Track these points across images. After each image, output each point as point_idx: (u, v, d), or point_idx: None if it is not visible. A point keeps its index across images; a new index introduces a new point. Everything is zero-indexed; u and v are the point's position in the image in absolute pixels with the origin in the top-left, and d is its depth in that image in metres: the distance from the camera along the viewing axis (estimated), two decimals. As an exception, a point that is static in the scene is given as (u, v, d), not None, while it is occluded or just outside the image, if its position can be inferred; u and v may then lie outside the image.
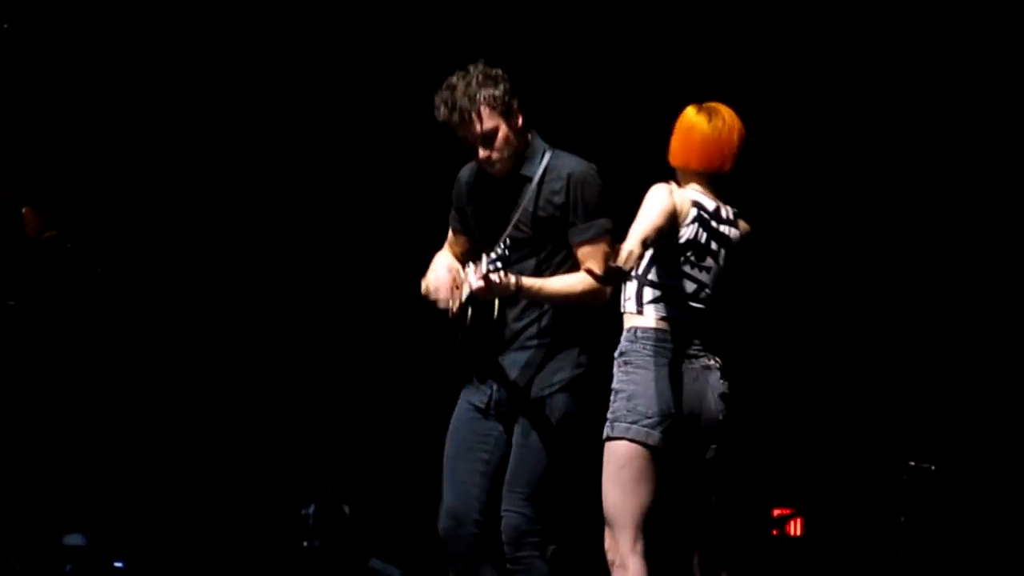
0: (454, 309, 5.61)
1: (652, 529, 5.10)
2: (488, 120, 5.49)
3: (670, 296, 5.15)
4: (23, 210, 6.86)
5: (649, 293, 5.15)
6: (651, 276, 5.15)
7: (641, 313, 5.15)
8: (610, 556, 5.10)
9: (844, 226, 7.97)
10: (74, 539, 7.68)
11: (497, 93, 5.48)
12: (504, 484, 5.58)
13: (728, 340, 5.25)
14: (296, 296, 8.35)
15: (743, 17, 7.84)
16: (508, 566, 5.56)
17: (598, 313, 5.53)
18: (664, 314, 5.14)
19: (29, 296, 6.95)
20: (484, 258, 5.30)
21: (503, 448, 5.61)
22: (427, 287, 5.67)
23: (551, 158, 5.57)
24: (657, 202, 5.06)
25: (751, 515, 7.92)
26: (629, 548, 5.06)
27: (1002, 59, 7.53)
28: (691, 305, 5.17)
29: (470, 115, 5.47)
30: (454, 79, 5.54)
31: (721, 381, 5.22)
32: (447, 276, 5.60)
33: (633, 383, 5.09)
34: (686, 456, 5.16)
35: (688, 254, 5.15)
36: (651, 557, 5.09)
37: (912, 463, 6.93)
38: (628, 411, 5.06)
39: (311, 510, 7.70)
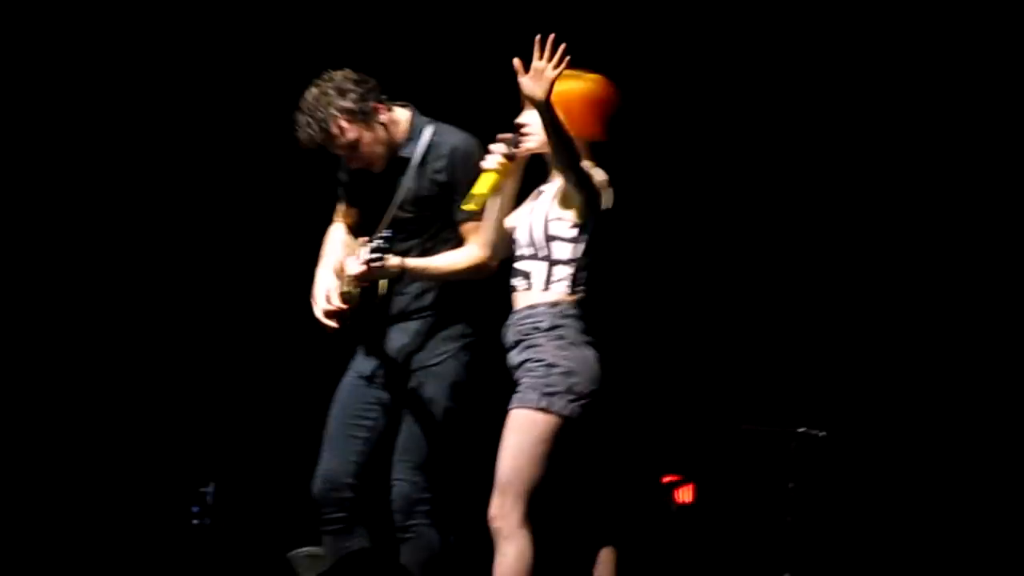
0: (341, 290, 5.57)
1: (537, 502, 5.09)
2: (348, 132, 5.48)
3: (586, 276, 5.18)
4: None
5: (579, 276, 5.16)
6: (584, 261, 5.17)
7: (572, 292, 5.15)
8: (497, 524, 5.05)
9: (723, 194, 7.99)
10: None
11: (348, 104, 5.45)
12: (393, 453, 5.58)
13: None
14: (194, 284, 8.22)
15: (743, 17, 7.81)
16: (398, 534, 5.59)
17: (484, 284, 5.51)
18: (583, 294, 5.17)
19: None
20: (366, 247, 5.29)
21: (387, 417, 5.62)
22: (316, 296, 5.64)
23: (433, 134, 5.56)
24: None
25: (641, 483, 7.93)
26: (521, 520, 5.03)
27: (1002, 59, 7.55)
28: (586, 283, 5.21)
29: (329, 134, 5.44)
30: (304, 100, 5.47)
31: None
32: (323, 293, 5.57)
33: (569, 359, 5.10)
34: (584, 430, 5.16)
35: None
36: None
37: (801, 429, 6.94)
38: (567, 388, 5.05)
39: (211, 489, 7.61)
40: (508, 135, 5.18)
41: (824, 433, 6.92)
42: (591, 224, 5.15)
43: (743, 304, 7.94)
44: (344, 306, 5.55)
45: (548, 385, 5.08)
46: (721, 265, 7.95)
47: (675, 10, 7.78)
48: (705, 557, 7.78)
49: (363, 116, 5.47)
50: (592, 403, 5.12)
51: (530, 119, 5.17)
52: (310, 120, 5.44)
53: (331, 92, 5.45)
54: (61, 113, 7.94)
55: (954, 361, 7.66)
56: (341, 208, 5.83)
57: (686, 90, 7.82)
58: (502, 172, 5.15)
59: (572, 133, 5.06)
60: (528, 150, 5.21)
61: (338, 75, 5.50)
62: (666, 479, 7.97)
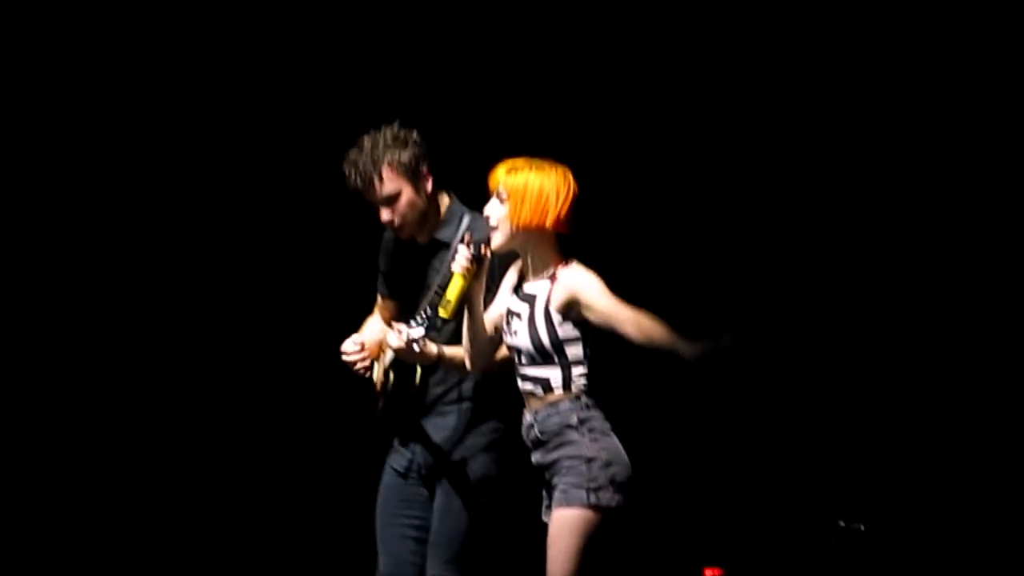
0: (378, 375, 5.59)
1: None
2: (390, 183, 5.48)
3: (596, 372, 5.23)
4: None
5: (592, 364, 5.19)
6: (590, 348, 5.19)
7: (588, 385, 5.17)
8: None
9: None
10: None
11: (403, 157, 5.47)
12: (427, 547, 5.57)
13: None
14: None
15: (742, 17, 7.82)
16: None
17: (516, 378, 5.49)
18: (599, 386, 5.22)
19: None
20: (407, 324, 5.28)
21: (430, 511, 5.60)
22: (347, 346, 5.62)
23: (470, 221, 5.56)
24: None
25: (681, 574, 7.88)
26: None
27: (1002, 59, 7.53)
28: None
29: (371, 178, 5.45)
30: (361, 143, 5.50)
31: None
32: (370, 340, 5.57)
33: (604, 450, 5.11)
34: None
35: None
36: None
37: (842, 523, 6.89)
38: (609, 480, 5.04)
39: None
40: (473, 239, 5.24)
41: (864, 526, 6.87)
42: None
43: (781, 393, 7.90)
44: (377, 382, 5.55)
45: (591, 480, 5.08)
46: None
47: (675, 10, 7.80)
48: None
49: (412, 173, 5.49)
50: (632, 491, 5.12)
51: (493, 211, 5.20)
52: (360, 160, 5.46)
53: (389, 139, 5.49)
54: (65, 116, 7.97)
55: (996, 453, 7.59)
56: (379, 301, 5.85)
57: (699, 103, 7.81)
58: (468, 275, 5.17)
59: (531, 225, 5.17)
60: (496, 246, 5.23)
61: (400, 129, 5.55)
62: (707, 573, 7.90)
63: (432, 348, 5.37)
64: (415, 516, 5.65)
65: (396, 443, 5.71)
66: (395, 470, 5.68)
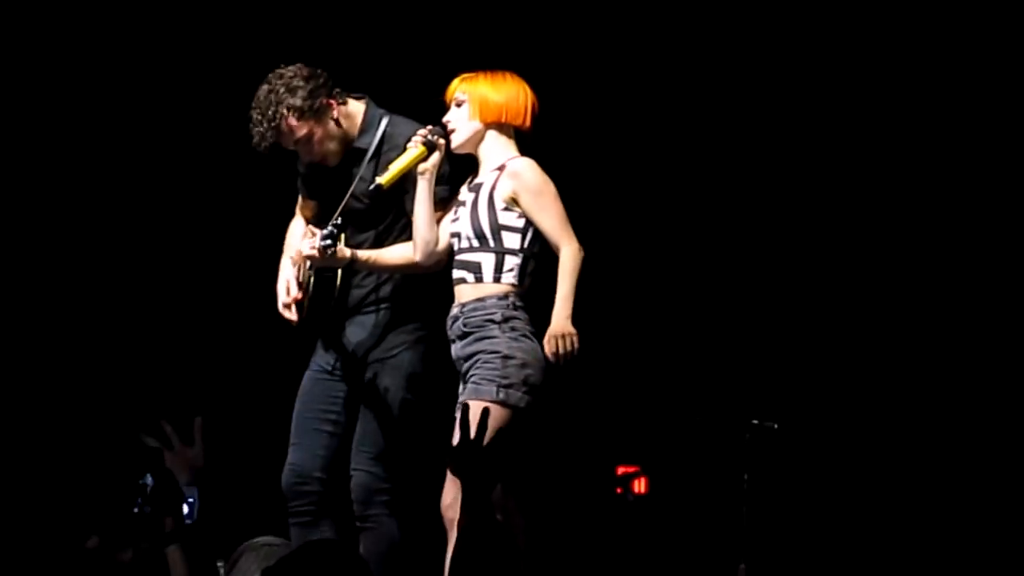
0: (300, 274, 5.59)
1: None
2: (299, 130, 5.49)
3: (534, 267, 5.25)
4: None
5: (528, 265, 5.23)
6: (533, 249, 5.24)
7: (521, 284, 5.21)
8: (449, 515, 5.09)
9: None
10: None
11: (297, 102, 5.44)
12: (352, 444, 5.59)
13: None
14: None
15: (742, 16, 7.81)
16: (357, 524, 5.61)
17: (440, 277, 5.53)
18: (530, 286, 5.24)
19: None
20: (317, 234, 5.31)
21: (351, 409, 5.63)
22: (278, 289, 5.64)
23: (387, 125, 5.57)
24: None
25: (594, 473, 7.95)
26: None
27: (1002, 59, 7.58)
28: None
29: (279, 131, 5.44)
30: (256, 99, 5.47)
31: None
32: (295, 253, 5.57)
33: (523, 351, 5.16)
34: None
35: None
36: None
37: (755, 421, 6.97)
38: (522, 380, 5.09)
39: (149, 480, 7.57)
40: (433, 127, 5.28)
41: (777, 425, 6.95)
42: None
43: (699, 295, 7.96)
44: (300, 296, 5.56)
45: (504, 377, 5.12)
46: (679, 257, 7.96)
47: (675, 11, 7.80)
48: (660, 549, 7.81)
49: (313, 113, 5.47)
50: (544, 394, 5.15)
51: (453, 116, 5.29)
52: (261, 119, 5.44)
53: (281, 90, 5.45)
54: (65, 114, 7.91)
55: (904, 348, 7.69)
56: (300, 202, 5.84)
57: (686, 88, 7.83)
58: (417, 156, 5.22)
59: (506, 120, 5.30)
60: (455, 146, 5.29)
61: (288, 71, 5.49)
62: (621, 470, 7.99)
63: (345, 252, 5.39)
64: (333, 411, 5.66)
65: (319, 344, 5.72)
66: (320, 367, 5.69)
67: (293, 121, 5.44)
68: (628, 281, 7.96)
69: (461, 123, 5.31)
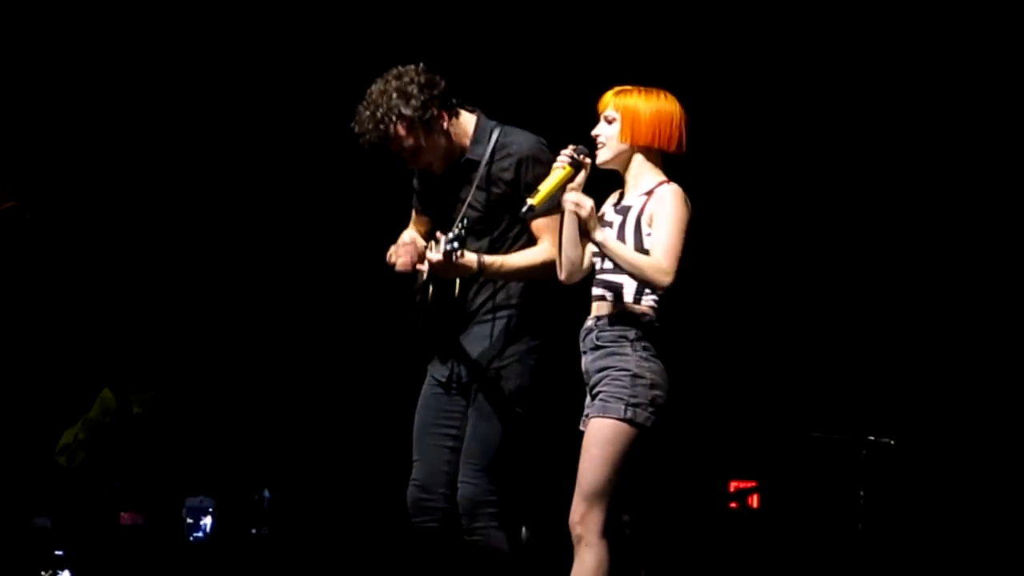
0: (417, 284, 5.60)
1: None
2: (407, 138, 5.45)
3: (675, 294, 5.21)
4: None
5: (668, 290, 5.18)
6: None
7: (656, 305, 5.18)
8: (579, 531, 5.08)
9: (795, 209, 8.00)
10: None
11: (408, 112, 5.41)
12: (460, 456, 5.59)
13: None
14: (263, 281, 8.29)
15: (742, 16, 7.82)
16: (465, 537, 5.58)
17: (554, 289, 5.50)
18: (660, 309, 5.19)
19: None
20: (442, 239, 5.29)
21: (467, 422, 5.61)
22: (390, 253, 5.63)
23: (499, 136, 5.54)
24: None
25: (709, 488, 7.94)
26: (602, 528, 5.07)
27: (1002, 59, 7.54)
28: None
29: (385, 136, 5.43)
30: (368, 96, 5.47)
31: None
32: (411, 245, 5.56)
33: (652, 372, 5.12)
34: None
35: None
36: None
37: (871, 437, 6.94)
38: (650, 400, 5.08)
39: (266, 494, 7.68)
40: (578, 146, 5.24)
41: (894, 441, 6.92)
42: None
43: (816, 311, 7.94)
44: (421, 265, 5.51)
45: (633, 396, 5.10)
46: (798, 270, 7.95)
47: (676, 10, 7.80)
48: (774, 565, 7.78)
49: (423, 124, 5.46)
50: (668, 415, 5.15)
51: (603, 131, 5.23)
52: (369, 118, 5.44)
53: (395, 95, 5.43)
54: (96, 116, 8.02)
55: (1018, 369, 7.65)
56: (414, 217, 5.84)
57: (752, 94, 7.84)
58: (564, 175, 5.18)
59: (657, 145, 5.20)
60: (601, 162, 5.24)
61: (408, 74, 5.46)
62: (735, 485, 7.97)
63: (472, 257, 5.37)
64: (452, 426, 5.64)
65: (436, 356, 5.72)
66: (436, 380, 5.68)
67: (401, 130, 5.42)
68: (747, 296, 7.96)
69: (611, 141, 5.21)
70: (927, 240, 7.84)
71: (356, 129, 5.48)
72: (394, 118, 5.40)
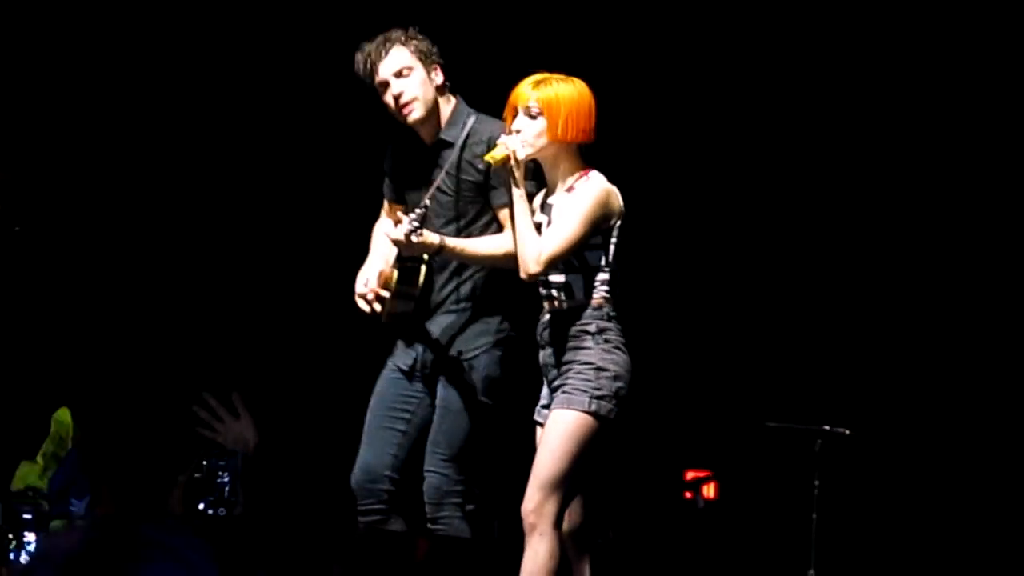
0: (387, 275, 5.57)
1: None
2: (403, 58, 5.51)
3: (618, 278, 5.19)
4: None
5: (617, 277, 5.16)
6: (612, 260, 5.16)
7: (610, 297, 5.14)
8: (532, 519, 5.06)
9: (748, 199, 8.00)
10: None
11: (418, 42, 5.51)
12: (427, 445, 5.58)
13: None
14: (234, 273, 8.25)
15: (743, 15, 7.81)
16: (429, 525, 5.59)
17: (520, 280, 5.47)
18: (617, 296, 5.17)
19: None
20: (405, 218, 5.27)
21: (426, 410, 5.63)
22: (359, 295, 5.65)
23: (474, 122, 5.56)
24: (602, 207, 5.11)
25: (664, 477, 7.95)
26: (556, 519, 5.05)
27: (1002, 59, 7.55)
28: None
29: (383, 52, 5.49)
30: (381, 33, 5.54)
31: None
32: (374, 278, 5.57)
33: (615, 364, 5.10)
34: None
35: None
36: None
37: (827, 427, 6.95)
38: (613, 392, 5.06)
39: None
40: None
41: (849, 431, 6.93)
42: (615, 227, 5.15)
43: (770, 302, 7.95)
44: (382, 291, 5.52)
45: (597, 389, 5.08)
46: (750, 262, 7.96)
47: (677, 10, 7.79)
48: (729, 554, 7.80)
49: (425, 58, 5.51)
50: (629, 406, 5.14)
51: (525, 127, 5.16)
52: (376, 39, 5.50)
53: (411, 31, 5.53)
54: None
55: (979, 359, 7.66)
56: (386, 207, 5.83)
57: (703, 91, 7.83)
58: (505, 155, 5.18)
59: (569, 138, 5.12)
60: (520, 158, 5.18)
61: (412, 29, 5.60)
62: (691, 475, 7.98)
63: (433, 237, 5.34)
64: (407, 411, 5.63)
65: (400, 342, 5.71)
66: (398, 367, 5.68)
67: (405, 50, 5.49)
68: (699, 287, 7.97)
69: (537, 139, 5.12)
70: (882, 229, 7.85)
71: (359, 54, 5.52)
72: (403, 37, 5.49)
